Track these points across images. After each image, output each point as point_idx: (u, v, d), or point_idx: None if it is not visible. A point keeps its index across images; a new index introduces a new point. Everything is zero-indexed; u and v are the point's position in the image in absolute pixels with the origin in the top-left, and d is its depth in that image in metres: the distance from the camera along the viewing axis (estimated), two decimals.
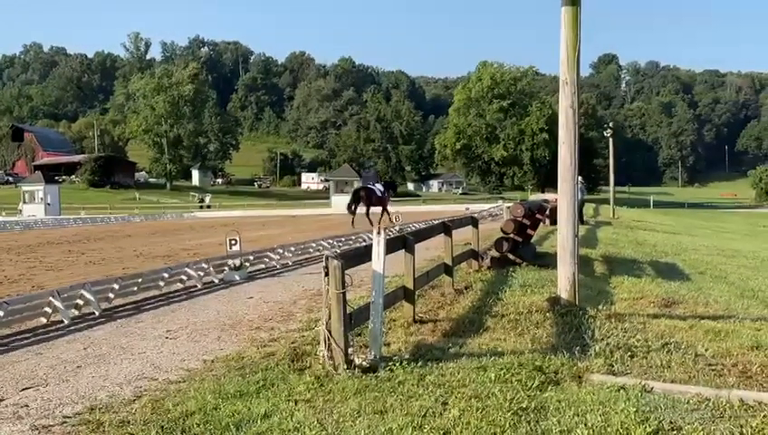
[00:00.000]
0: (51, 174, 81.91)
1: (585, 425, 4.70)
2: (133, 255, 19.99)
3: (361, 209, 29.12)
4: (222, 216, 55.84)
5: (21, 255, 21.05)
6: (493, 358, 6.32)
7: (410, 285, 8.46)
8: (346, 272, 6.25)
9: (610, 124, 48.33)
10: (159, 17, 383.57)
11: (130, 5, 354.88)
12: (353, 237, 19.71)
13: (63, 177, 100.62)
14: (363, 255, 7.14)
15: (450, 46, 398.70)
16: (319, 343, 6.48)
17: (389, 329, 7.83)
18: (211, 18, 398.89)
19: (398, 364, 6.16)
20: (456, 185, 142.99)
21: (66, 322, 8.98)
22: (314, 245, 18.07)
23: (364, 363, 6.17)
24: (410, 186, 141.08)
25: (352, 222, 27.64)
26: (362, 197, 29.48)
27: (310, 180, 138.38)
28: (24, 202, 64.72)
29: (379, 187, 30.45)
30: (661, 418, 4.81)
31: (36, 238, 30.10)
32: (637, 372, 6.10)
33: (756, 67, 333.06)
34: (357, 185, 31.35)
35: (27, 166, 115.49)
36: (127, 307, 10.36)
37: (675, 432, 4.60)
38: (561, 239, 9.04)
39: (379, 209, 29.76)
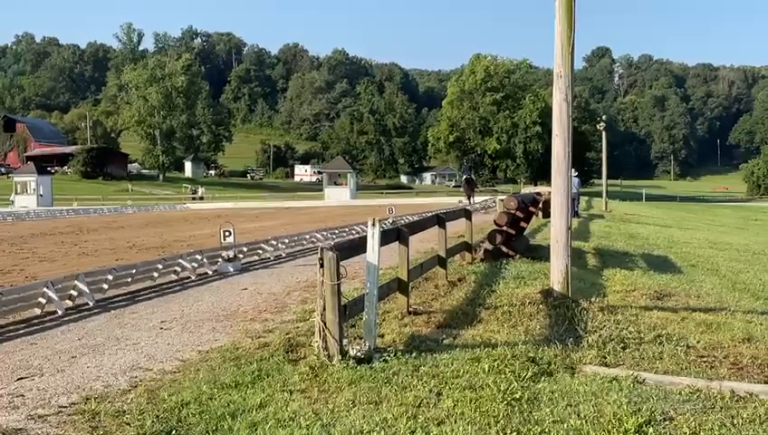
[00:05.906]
0: (43, 165, 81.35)
1: (578, 415, 4.74)
2: (126, 246, 19.97)
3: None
4: (215, 207, 55.68)
5: (13, 245, 21.00)
6: (486, 349, 6.35)
7: (404, 277, 8.50)
8: (341, 263, 6.27)
9: (603, 117, 48.37)
10: (152, 8, 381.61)
11: None
12: (347, 229, 19.77)
13: (56, 168, 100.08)
14: (358, 246, 7.16)
15: (444, 39, 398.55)
16: (313, 334, 6.51)
17: (384, 320, 7.87)
18: (204, 9, 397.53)
19: (392, 355, 6.20)
20: (449, 178, 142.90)
21: (60, 312, 8.98)
22: (308, 236, 18.11)
23: (359, 354, 6.19)
24: (403, 178, 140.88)
25: (469, 202, 37.38)
26: (468, 184, 41.55)
27: (303, 172, 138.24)
28: (17, 193, 64.31)
29: (472, 177, 41.56)
30: (653, 408, 4.86)
31: (29, 229, 30.01)
32: (629, 363, 6.15)
33: (749, 61, 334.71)
34: (465, 176, 43.75)
35: (19, 157, 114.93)
36: (121, 298, 10.38)
37: (666, 423, 4.65)
38: (555, 232, 9.06)
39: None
